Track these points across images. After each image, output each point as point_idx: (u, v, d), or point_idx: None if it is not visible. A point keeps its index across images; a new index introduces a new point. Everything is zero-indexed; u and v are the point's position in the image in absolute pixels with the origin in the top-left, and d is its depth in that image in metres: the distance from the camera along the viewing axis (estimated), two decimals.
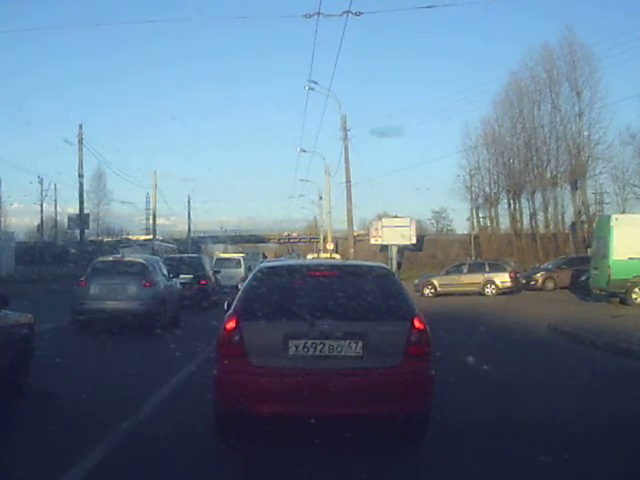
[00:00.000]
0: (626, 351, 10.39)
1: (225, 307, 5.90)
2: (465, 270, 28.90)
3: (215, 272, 23.06)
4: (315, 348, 5.20)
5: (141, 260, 15.04)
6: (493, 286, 27.34)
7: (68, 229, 47.67)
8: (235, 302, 5.63)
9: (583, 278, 26.57)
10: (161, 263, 15.90)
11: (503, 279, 27.65)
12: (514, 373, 8.46)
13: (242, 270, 28.48)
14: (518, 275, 29.19)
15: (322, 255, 49.30)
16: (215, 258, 30.56)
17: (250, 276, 6.07)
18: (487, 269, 28.38)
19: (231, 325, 5.34)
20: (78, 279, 14.27)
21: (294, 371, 5.13)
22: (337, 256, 39.20)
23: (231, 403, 5.27)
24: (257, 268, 6.32)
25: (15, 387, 7.17)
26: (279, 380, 5.14)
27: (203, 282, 20.05)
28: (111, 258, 15.82)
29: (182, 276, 18.01)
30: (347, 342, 5.19)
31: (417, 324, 5.35)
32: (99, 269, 14.33)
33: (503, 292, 27.17)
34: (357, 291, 5.65)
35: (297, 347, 5.20)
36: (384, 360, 5.20)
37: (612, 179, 39.74)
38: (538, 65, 40.88)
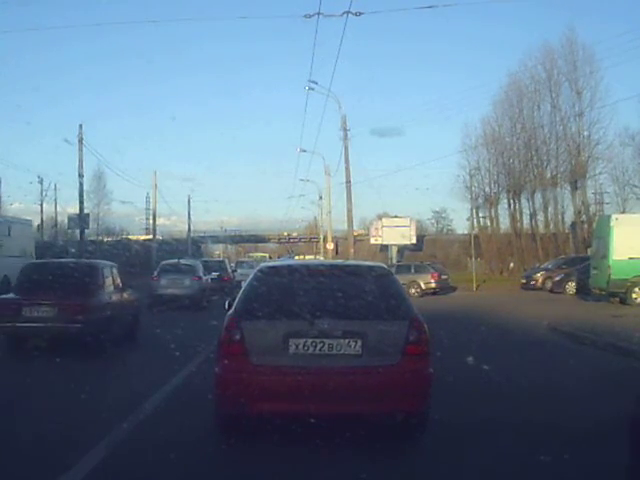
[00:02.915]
0: (626, 351, 10.38)
1: (226, 307, 5.98)
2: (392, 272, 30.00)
3: (233, 271, 30.85)
4: (315, 347, 5.26)
5: (191, 263, 23.48)
6: (417, 287, 28.48)
7: (68, 229, 47.43)
8: (236, 302, 5.69)
9: (558, 278, 27.45)
10: (201, 264, 23.54)
11: (426, 280, 29.14)
12: (514, 373, 8.45)
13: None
14: (443, 277, 30.40)
15: (307, 257, 52.92)
16: (236, 261, 42.90)
17: (250, 276, 6.11)
18: (412, 271, 29.73)
19: (232, 325, 5.42)
20: (152, 276, 21.62)
21: (294, 369, 5.19)
22: (320, 257, 41.55)
23: (232, 402, 5.30)
24: (257, 268, 6.36)
25: (132, 338, 11.94)
26: (280, 378, 5.20)
27: (226, 278, 27.14)
28: (172, 262, 23.47)
29: (213, 273, 25.33)
30: (346, 341, 5.25)
31: (416, 324, 5.42)
32: (165, 269, 21.77)
33: (427, 293, 28.43)
34: (356, 291, 5.70)
35: (297, 346, 5.26)
36: (383, 359, 5.26)
37: (612, 179, 39.72)
38: (538, 65, 40.80)
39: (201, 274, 21.88)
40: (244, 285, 6.06)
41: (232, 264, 36.07)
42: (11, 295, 11.02)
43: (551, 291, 27.43)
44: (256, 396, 5.17)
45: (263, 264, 7.06)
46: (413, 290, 28.21)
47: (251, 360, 5.26)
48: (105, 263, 12.54)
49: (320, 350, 5.26)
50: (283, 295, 5.70)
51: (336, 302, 5.47)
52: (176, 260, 24.70)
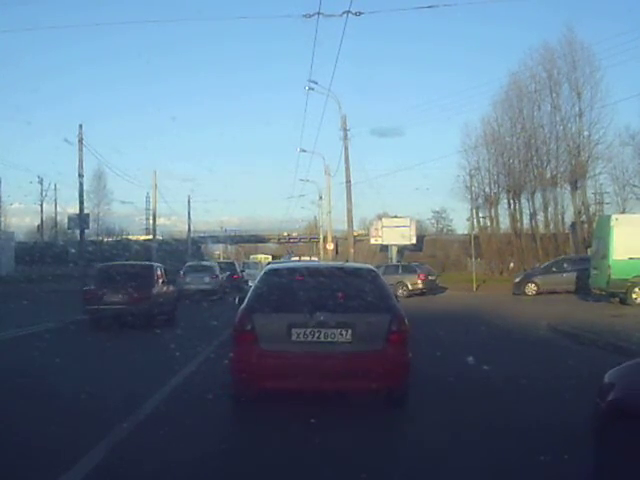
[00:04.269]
0: (626, 351, 10.37)
1: (237, 302, 6.98)
2: (381, 273, 29.83)
3: (242, 270, 35.49)
4: (313, 335, 6.20)
5: (209, 264, 30.35)
6: (404, 287, 28.52)
7: (68, 229, 47.32)
8: (247, 298, 6.64)
9: (517, 280, 28.12)
10: (217, 265, 29.49)
11: (413, 281, 29.26)
12: (514, 373, 8.46)
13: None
14: (430, 277, 30.50)
15: (303, 258, 58.90)
16: (243, 262, 48.05)
17: (259, 276, 7.12)
18: (400, 271, 29.99)
19: (244, 317, 6.37)
20: (178, 274, 25.71)
21: (296, 354, 6.15)
22: (315, 258, 45.83)
23: (245, 380, 6.32)
24: (264, 270, 7.43)
25: (172, 319, 16.09)
26: (284, 361, 6.14)
27: (236, 277, 31.58)
28: (195, 263, 30.44)
29: (226, 272, 30.16)
30: (339, 330, 6.19)
31: (397, 317, 6.35)
32: (190, 269, 27.46)
33: (414, 293, 28.43)
34: (348, 289, 6.72)
35: (298, 334, 6.20)
36: (370, 345, 6.21)
37: (612, 179, 39.64)
38: (538, 65, 40.69)
39: (217, 273, 27.31)
40: (254, 283, 7.08)
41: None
42: (93, 287, 14.97)
43: (513, 293, 27.44)
44: (265, 375, 6.17)
45: (268, 266, 7.95)
46: (400, 291, 28.03)
47: (260, 346, 6.21)
48: (157, 264, 17.48)
49: (317, 338, 6.19)
50: (286, 292, 6.65)
51: (331, 298, 6.46)
52: (197, 262, 32.63)
